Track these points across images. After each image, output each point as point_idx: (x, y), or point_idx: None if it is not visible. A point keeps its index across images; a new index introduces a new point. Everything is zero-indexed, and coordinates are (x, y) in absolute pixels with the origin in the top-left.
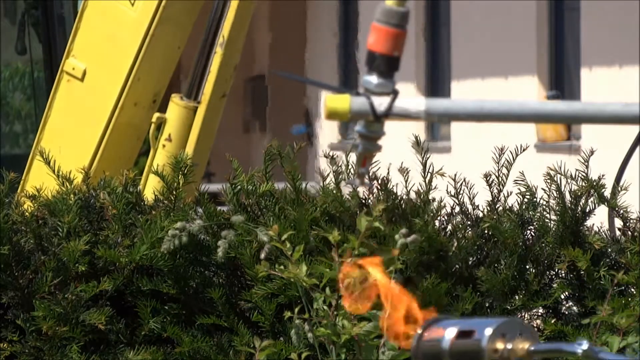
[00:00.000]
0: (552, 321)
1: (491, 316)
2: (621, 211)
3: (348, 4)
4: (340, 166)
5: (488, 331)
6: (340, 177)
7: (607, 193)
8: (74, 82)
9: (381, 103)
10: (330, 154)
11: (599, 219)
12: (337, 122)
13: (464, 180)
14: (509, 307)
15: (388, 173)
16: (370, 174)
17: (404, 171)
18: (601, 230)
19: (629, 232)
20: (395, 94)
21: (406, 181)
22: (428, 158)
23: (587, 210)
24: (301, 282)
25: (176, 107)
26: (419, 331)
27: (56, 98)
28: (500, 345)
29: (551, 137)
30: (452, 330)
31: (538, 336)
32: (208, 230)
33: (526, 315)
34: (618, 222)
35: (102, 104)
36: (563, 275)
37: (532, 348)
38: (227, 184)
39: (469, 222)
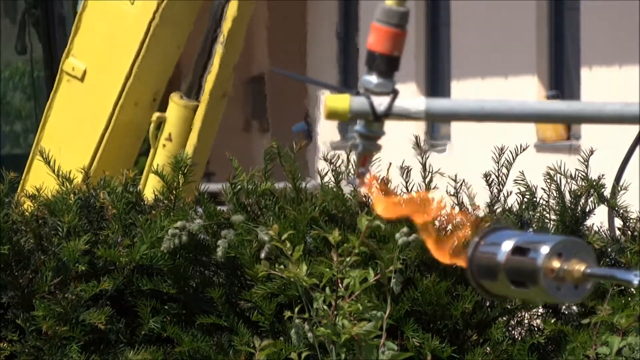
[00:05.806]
0: (552, 321)
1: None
2: (621, 211)
3: (348, 4)
4: (339, 165)
5: (544, 249)
6: (339, 176)
7: (607, 193)
8: (74, 82)
9: (381, 103)
10: (329, 153)
11: (599, 219)
12: (337, 122)
13: (464, 180)
14: (509, 307)
15: (388, 173)
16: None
17: (404, 170)
18: (601, 230)
19: (629, 232)
20: (395, 93)
21: (406, 181)
22: (428, 158)
23: (587, 210)
24: (301, 281)
25: (176, 106)
26: (476, 239)
27: (56, 98)
28: (556, 265)
29: (551, 137)
30: (509, 244)
31: (596, 258)
32: (208, 230)
33: (526, 315)
34: (618, 222)
35: (102, 104)
36: None
37: (588, 271)
38: (227, 183)
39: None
